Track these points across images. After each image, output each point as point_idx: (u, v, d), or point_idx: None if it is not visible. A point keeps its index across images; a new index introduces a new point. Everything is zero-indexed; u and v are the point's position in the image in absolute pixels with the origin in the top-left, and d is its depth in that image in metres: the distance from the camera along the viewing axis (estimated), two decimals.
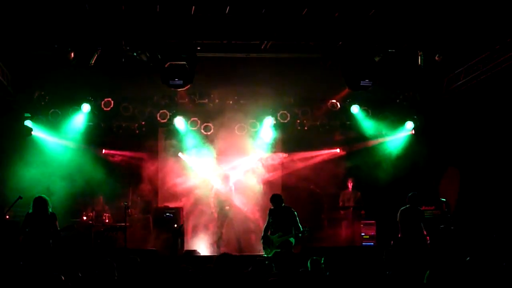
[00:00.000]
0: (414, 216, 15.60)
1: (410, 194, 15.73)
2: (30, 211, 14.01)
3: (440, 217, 17.64)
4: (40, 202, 14.02)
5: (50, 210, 14.07)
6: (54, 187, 17.43)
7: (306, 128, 20.24)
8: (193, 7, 14.04)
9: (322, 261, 11.33)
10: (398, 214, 15.75)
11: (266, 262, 11.55)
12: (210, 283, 9.98)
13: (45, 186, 17.20)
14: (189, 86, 15.39)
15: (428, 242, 15.50)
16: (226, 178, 19.67)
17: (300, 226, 15.53)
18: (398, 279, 10.59)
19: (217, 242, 19.09)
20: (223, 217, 19.24)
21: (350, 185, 20.17)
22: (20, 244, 14.12)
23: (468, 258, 10.95)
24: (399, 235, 15.71)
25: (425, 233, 15.56)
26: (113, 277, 9.99)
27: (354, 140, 20.55)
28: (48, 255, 13.80)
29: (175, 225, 18.15)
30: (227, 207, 19.23)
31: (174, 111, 19.62)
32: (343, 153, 20.92)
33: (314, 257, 11.71)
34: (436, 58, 15.50)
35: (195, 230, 19.79)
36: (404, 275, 10.93)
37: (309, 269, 11.35)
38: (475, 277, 10.02)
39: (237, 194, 19.75)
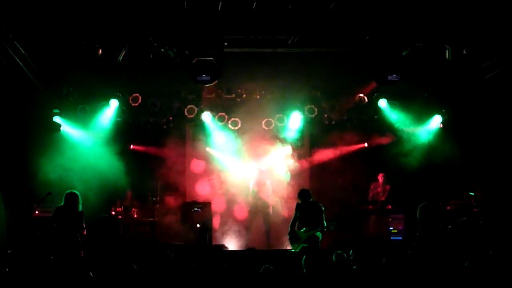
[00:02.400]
0: (434, 212, 15.62)
1: (430, 191, 15.78)
2: (61, 204, 14.12)
3: (465, 211, 17.56)
4: (72, 198, 14.11)
5: (80, 207, 14.15)
6: (82, 183, 17.49)
7: (333, 122, 20.22)
8: (220, 2, 14.04)
9: (351, 253, 11.35)
10: (418, 211, 15.78)
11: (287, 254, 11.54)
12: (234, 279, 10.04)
13: (74, 182, 17.30)
14: (216, 82, 15.41)
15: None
16: (261, 175, 19.72)
17: (325, 222, 15.56)
18: (422, 274, 10.61)
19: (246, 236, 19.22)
20: (259, 214, 19.33)
21: (380, 179, 20.09)
22: (49, 238, 14.28)
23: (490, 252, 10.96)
24: (419, 232, 15.76)
25: (445, 227, 15.58)
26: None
27: (382, 135, 20.43)
28: (76, 250, 13.90)
29: (198, 225, 18.15)
30: (263, 203, 19.32)
31: (201, 106, 19.68)
32: (370, 147, 20.86)
33: (339, 251, 11.73)
34: (464, 51, 15.40)
35: (224, 225, 19.84)
36: (427, 270, 10.95)
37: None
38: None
39: (266, 188, 19.77)
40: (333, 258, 11.59)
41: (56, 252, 13.87)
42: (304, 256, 11.26)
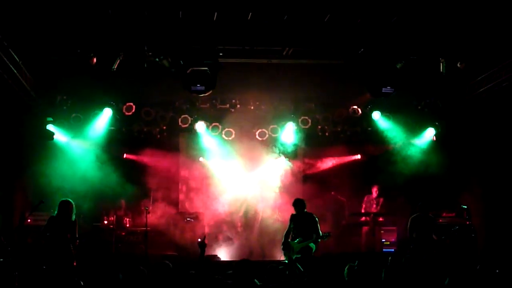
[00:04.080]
0: (425, 223, 15.69)
1: (420, 203, 15.87)
2: (55, 213, 14.07)
3: (459, 223, 17.62)
4: (65, 206, 14.05)
5: (74, 216, 14.10)
6: (75, 191, 17.45)
7: (327, 134, 20.19)
8: (216, 13, 14.08)
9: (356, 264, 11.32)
10: (409, 222, 15.86)
11: (280, 267, 11.57)
12: None
13: (66, 190, 17.26)
14: (210, 92, 15.42)
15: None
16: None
17: (320, 232, 15.54)
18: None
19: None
20: (250, 224, 19.34)
21: (374, 191, 20.14)
22: (41, 247, 14.22)
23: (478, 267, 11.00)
24: (411, 243, 15.82)
25: (435, 238, 15.65)
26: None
27: (375, 146, 20.46)
28: (69, 260, 13.83)
29: (199, 239, 18.08)
30: (255, 214, 19.35)
31: (196, 116, 19.64)
32: (364, 159, 20.91)
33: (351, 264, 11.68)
34: (459, 65, 15.45)
35: (216, 236, 19.81)
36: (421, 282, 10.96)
37: (346, 278, 11.31)
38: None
39: (259, 199, 19.77)
40: (345, 272, 11.52)
41: (49, 262, 13.79)
42: (299, 266, 11.29)
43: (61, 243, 13.84)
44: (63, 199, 14.24)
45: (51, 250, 13.83)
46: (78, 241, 14.14)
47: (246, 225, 19.45)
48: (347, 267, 11.49)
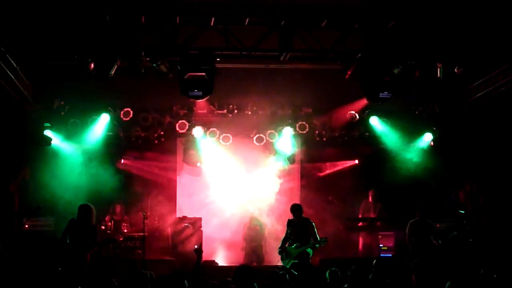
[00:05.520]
0: (424, 228, 15.69)
1: (419, 207, 15.86)
2: (75, 218, 14.06)
3: (456, 228, 17.61)
4: (86, 210, 14.06)
5: (94, 221, 14.10)
6: (73, 197, 17.47)
7: (324, 139, 20.17)
8: (212, 18, 14.11)
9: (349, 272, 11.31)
10: (408, 227, 15.86)
11: (281, 272, 11.58)
12: None
13: (64, 196, 17.25)
14: (208, 97, 15.41)
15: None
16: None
17: (318, 237, 15.54)
18: None
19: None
20: (247, 229, 19.39)
21: (370, 196, 20.15)
22: (59, 250, 14.20)
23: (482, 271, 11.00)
24: (410, 248, 15.84)
25: (436, 243, 15.65)
26: None
27: (373, 152, 20.47)
28: (83, 265, 13.81)
29: (196, 246, 18.01)
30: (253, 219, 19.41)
31: (193, 121, 19.59)
32: (361, 164, 20.92)
33: (333, 268, 11.70)
34: (456, 70, 15.46)
35: (213, 241, 19.82)
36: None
37: (328, 281, 11.34)
38: None
39: (257, 204, 19.81)
40: (327, 275, 11.55)
41: (64, 265, 13.76)
42: (298, 272, 11.28)
43: (79, 248, 13.84)
44: (83, 203, 14.28)
45: (69, 253, 13.82)
46: (96, 247, 14.16)
47: (243, 230, 19.39)
48: (328, 271, 11.53)
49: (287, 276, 11.52)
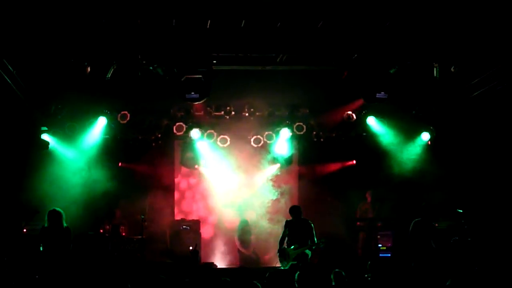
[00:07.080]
0: (426, 230, 15.60)
1: (423, 204, 15.69)
2: (46, 224, 14.07)
3: (456, 228, 17.57)
4: (55, 215, 14.06)
5: (65, 224, 14.10)
6: (71, 200, 17.46)
7: (322, 139, 20.21)
8: (209, 20, 14.09)
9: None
10: (411, 226, 15.78)
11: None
12: None
13: (62, 199, 17.23)
14: (205, 99, 15.42)
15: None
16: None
17: (316, 239, 15.54)
18: None
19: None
20: (246, 231, 19.39)
21: (368, 196, 20.14)
22: (37, 258, 14.21)
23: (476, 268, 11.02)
24: (411, 248, 15.79)
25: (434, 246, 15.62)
26: None
27: (370, 152, 20.45)
28: (63, 269, 13.82)
29: (191, 248, 17.98)
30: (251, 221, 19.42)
31: (190, 124, 19.59)
32: (359, 164, 20.92)
33: (337, 270, 11.69)
34: (452, 69, 15.46)
35: (212, 242, 19.83)
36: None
37: (333, 283, 11.34)
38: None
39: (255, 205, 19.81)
40: (332, 277, 11.55)
41: (45, 271, 13.78)
42: (298, 273, 11.26)
43: (56, 252, 13.84)
44: (51, 208, 14.26)
45: (47, 260, 13.83)
46: (71, 245, 14.17)
47: (242, 232, 19.39)
48: (332, 274, 11.53)
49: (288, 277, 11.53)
